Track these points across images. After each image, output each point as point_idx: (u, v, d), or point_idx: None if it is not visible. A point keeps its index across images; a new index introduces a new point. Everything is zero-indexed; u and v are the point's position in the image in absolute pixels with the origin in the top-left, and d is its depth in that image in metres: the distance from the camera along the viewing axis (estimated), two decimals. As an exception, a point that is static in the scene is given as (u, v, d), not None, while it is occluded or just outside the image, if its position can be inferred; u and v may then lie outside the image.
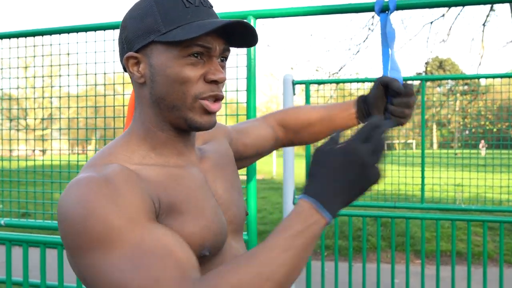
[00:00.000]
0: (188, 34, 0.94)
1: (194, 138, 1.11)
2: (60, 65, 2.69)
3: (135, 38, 1.01)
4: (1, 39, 2.63)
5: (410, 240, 6.56)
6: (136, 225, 0.84)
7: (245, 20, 1.00)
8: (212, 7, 1.05)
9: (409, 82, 1.32)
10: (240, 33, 1.03)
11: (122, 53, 1.06)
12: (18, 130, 3.17)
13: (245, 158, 1.44)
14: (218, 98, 1.02)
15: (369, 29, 8.96)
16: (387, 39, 1.57)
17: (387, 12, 1.91)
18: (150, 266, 0.81)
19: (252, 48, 2.16)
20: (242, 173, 2.19)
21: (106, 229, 0.82)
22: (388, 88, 1.34)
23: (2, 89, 2.85)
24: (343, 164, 0.91)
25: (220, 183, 1.14)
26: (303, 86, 4.14)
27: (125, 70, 1.08)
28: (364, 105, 1.40)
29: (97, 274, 0.82)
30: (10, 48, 2.67)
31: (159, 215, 0.93)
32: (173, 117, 1.02)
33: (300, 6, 2.10)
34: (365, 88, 4.48)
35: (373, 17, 9.06)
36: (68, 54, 2.64)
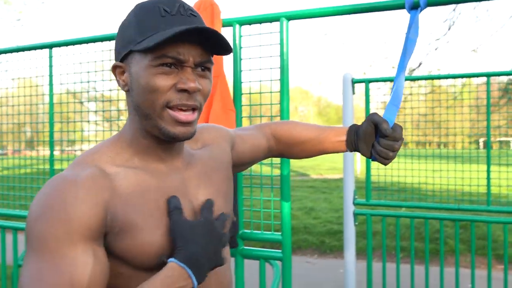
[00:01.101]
0: (152, 41, 0.96)
1: (180, 145, 1.14)
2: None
3: (120, 48, 1.06)
4: (96, 42, 2.74)
5: (492, 244, 6.21)
6: (68, 243, 0.90)
7: (207, 27, 0.99)
8: (195, 15, 1.05)
9: (399, 125, 1.29)
10: (214, 40, 1.02)
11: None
12: (117, 131, 3.34)
13: (241, 165, 1.47)
14: (192, 108, 1.03)
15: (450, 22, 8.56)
16: (407, 45, 1.51)
17: (418, 9, 1.86)
18: (46, 282, 0.87)
19: (285, 49, 2.17)
20: (276, 174, 2.21)
21: (45, 236, 0.90)
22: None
23: (102, 91, 2.97)
24: (206, 236, 1.03)
25: (203, 189, 1.16)
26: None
27: None
28: (354, 136, 1.38)
29: (23, 265, 0.92)
30: (102, 51, 2.78)
31: (112, 227, 0.97)
32: (149, 126, 1.05)
33: (330, 6, 2.08)
34: (436, 85, 4.30)
35: (454, 10, 8.64)
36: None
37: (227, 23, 2.30)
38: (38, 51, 2.99)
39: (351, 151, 1.39)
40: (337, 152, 1.46)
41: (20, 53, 3.07)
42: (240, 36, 2.29)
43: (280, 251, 2.20)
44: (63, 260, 0.89)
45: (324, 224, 8.20)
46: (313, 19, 2.15)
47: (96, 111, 2.86)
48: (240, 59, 2.29)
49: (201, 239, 1.01)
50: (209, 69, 1.07)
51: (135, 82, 1.03)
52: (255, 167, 2.30)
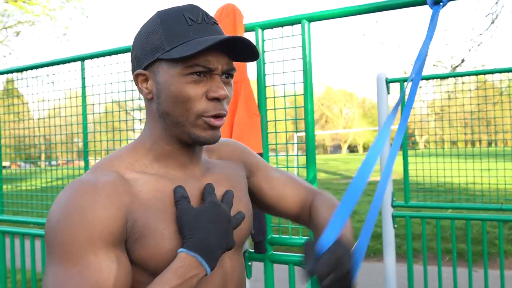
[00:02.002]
0: (187, 51, 0.98)
1: (200, 152, 1.16)
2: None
3: (143, 56, 1.06)
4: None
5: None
6: (91, 248, 0.91)
7: (243, 36, 1.05)
8: (216, 23, 1.09)
9: (334, 256, 0.95)
10: (241, 48, 1.05)
11: (133, 70, 1.12)
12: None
13: (253, 202, 1.35)
14: (220, 115, 1.05)
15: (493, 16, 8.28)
16: (425, 45, 1.46)
17: (440, 4, 1.81)
18: None
19: (307, 52, 2.15)
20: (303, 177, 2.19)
21: (67, 242, 0.91)
22: None
23: (137, 100, 3.01)
24: (214, 218, 1.04)
25: (223, 189, 1.18)
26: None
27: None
28: None
29: (45, 271, 0.93)
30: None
31: (133, 233, 0.98)
32: (178, 132, 1.06)
33: (351, 6, 2.05)
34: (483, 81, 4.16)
35: (496, 3, 8.36)
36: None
37: (249, 28, 2.30)
38: (82, 62, 3.08)
39: None
40: None
41: (66, 65, 3.14)
42: (263, 40, 2.28)
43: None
44: (87, 266, 0.90)
45: (368, 227, 8.06)
46: (349, 19, 2.13)
47: (141, 120, 2.88)
48: (264, 63, 2.29)
49: (208, 224, 1.02)
50: (232, 76, 1.10)
51: (164, 91, 1.04)
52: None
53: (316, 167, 2.16)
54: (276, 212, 1.40)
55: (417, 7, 1.95)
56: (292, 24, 2.21)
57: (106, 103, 2.91)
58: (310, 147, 2.15)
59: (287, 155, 2.37)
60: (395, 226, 3.80)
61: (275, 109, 2.31)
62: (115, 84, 2.88)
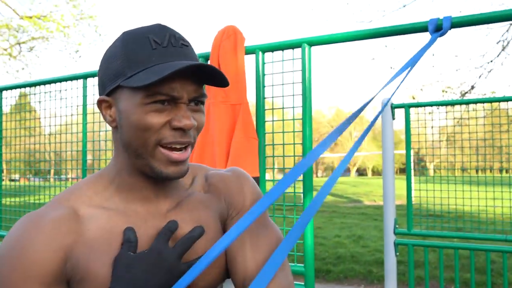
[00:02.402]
0: (147, 78, 0.89)
1: (169, 184, 1.05)
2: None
3: (106, 81, 0.98)
4: None
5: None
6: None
7: (204, 63, 0.93)
8: (186, 45, 0.98)
9: None
10: (209, 73, 0.96)
11: (99, 95, 1.03)
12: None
13: None
14: (185, 146, 0.96)
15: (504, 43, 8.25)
16: (409, 62, 1.44)
17: (439, 32, 1.79)
18: None
19: (307, 75, 2.13)
20: (299, 204, 2.15)
21: (4, 277, 0.90)
22: None
23: None
24: (147, 270, 0.92)
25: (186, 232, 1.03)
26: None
27: None
28: None
29: None
30: None
31: (73, 275, 0.93)
32: (140, 164, 0.98)
33: (351, 31, 2.03)
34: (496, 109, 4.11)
35: (507, 30, 8.34)
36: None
37: (250, 50, 2.29)
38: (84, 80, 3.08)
39: None
40: None
41: (74, 81, 3.14)
42: (264, 63, 2.27)
43: (302, 283, 2.12)
44: None
45: (372, 253, 7.95)
46: (359, 43, 2.11)
47: None
48: (264, 86, 2.27)
49: (137, 274, 0.91)
50: (202, 103, 1.00)
51: (125, 119, 0.95)
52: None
53: (313, 193, 2.12)
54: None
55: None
56: (293, 48, 2.19)
57: None
58: (307, 173, 2.11)
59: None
60: (397, 254, 3.74)
61: (273, 133, 2.29)
62: None
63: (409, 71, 1.40)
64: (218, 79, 0.98)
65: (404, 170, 4.46)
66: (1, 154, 3.34)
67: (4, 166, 3.80)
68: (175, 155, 0.95)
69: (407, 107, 3.88)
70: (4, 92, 3.54)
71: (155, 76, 0.88)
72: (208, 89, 2.31)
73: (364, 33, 2.01)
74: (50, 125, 3.39)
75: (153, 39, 0.94)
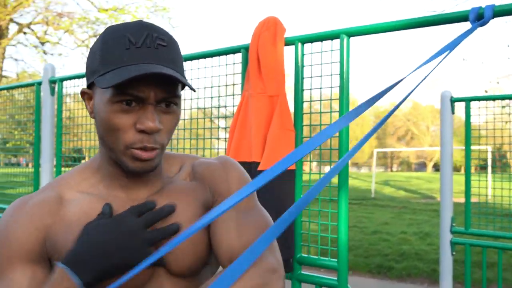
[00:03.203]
0: (112, 79, 0.91)
1: (154, 173, 1.09)
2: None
3: (88, 74, 1.02)
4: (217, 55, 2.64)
5: None
6: (8, 265, 0.98)
7: (161, 72, 0.91)
8: (164, 45, 0.98)
9: None
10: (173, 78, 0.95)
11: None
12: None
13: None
14: (149, 149, 0.97)
15: None
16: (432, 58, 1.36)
17: (480, 21, 1.70)
18: None
19: (345, 67, 2.08)
20: (334, 197, 2.11)
21: None
22: None
23: (233, 106, 2.80)
24: (106, 232, 0.96)
25: (161, 222, 1.05)
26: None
27: None
28: None
29: None
30: (226, 65, 2.72)
31: (53, 253, 1.01)
32: (113, 157, 1.02)
33: (390, 21, 1.96)
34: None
35: None
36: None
37: (289, 42, 2.27)
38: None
39: None
40: None
41: None
42: (303, 55, 2.24)
43: (335, 279, 2.08)
44: (2, 280, 0.97)
45: (437, 251, 7.68)
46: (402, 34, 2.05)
47: (225, 128, 2.72)
48: (302, 78, 2.24)
49: (93, 237, 0.95)
50: (175, 103, 1.00)
51: (97, 115, 1.00)
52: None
53: (348, 189, 2.07)
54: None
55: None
56: (332, 39, 2.15)
57: (191, 109, 2.83)
58: (344, 168, 2.07)
59: (319, 173, 2.30)
60: (454, 253, 3.59)
61: (310, 125, 2.26)
62: (201, 89, 2.73)
63: (441, 61, 1.33)
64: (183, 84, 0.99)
65: (484, 168, 4.27)
66: (61, 142, 3.50)
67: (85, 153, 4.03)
68: (144, 155, 0.97)
69: (467, 100, 3.69)
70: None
71: (119, 78, 0.90)
72: (247, 80, 2.32)
73: (403, 23, 1.93)
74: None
75: (129, 38, 0.95)
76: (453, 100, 3.65)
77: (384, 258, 7.41)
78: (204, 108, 2.87)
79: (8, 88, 4.20)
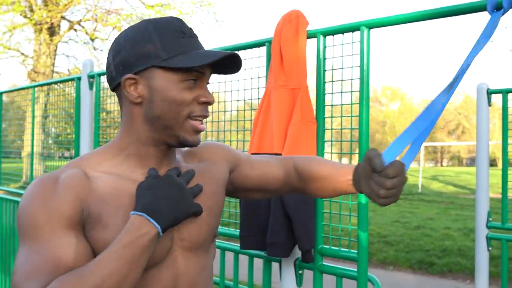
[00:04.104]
0: (192, 62, 1.09)
1: (172, 154, 1.24)
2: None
3: (135, 61, 1.11)
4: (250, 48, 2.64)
5: None
6: (50, 229, 1.02)
7: (236, 53, 1.14)
8: (196, 35, 1.19)
9: (399, 162, 1.06)
10: (227, 62, 1.18)
11: (116, 73, 1.15)
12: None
13: (247, 190, 1.46)
14: (205, 117, 1.18)
15: None
16: (472, 53, 1.33)
17: (500, 10, 1.67)
18: (34, 264, 0.99)
19: (365, 60, 2.08)
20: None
21: (30, 225, 1.03)
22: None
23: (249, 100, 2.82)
24: (165, 186, 1.11)
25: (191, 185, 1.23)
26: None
27: (113, 90, 1.20)
28: (356, 175, 1.23)
29: (16, 254, 1.03)
30: (259, 57, 2.66)
31: (88, 222, 1.07)
32: (165, 135, 1.15)
33: (410, 12, 1.95)
34: None
35: None
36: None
37: (311, 34, 2.28)
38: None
39: (359, 192, 1.24)
40: (348, 193, 1.32)
41: None
42: (325, 47, 2.25)
43: (356, 270, 2.10)
44: (46, 243, 1.00)
45: (482, 248, 7.50)
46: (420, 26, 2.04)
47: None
48: (324, 70, 2.25)
49: (156, 191, 1.09)
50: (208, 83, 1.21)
51: (159, 95, 1.12)
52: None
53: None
54: (265, 189, 1.46)
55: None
56: (352, 31, 2.15)
57: (238, 100, 2.77)
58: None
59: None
60: (490, 248, 3.52)
61: (332, 117, 2.27)
62: (246, 81, 2.69)
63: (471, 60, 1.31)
64: (231, 68, 1.22)
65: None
66: (98, 134, 3.62)
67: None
68: (201, 126, 1.16)
69: (504, 92, 3.59)
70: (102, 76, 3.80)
71: (200, 60, 1.09)
72: (270, 73, 2.35)
73: (422, 14, 1.91)
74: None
75: (180, 29, 1.13)
76: (490, 92, 3.56)
77: (425, 253, 7.30)
78: (251, 99, 2.81)
79: (49, 84, 4.36)
